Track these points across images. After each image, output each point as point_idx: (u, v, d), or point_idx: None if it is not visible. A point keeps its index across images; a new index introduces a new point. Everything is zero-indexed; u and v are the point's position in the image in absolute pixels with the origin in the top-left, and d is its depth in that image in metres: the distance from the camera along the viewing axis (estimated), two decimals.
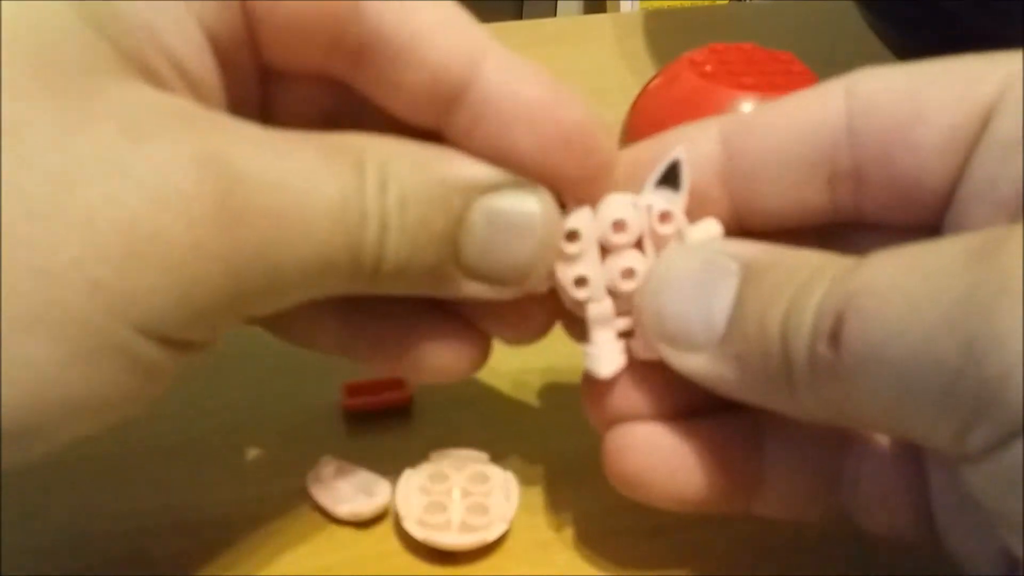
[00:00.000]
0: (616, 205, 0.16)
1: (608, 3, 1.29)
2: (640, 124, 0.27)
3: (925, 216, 0.16)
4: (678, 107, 0.26)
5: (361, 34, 0.15)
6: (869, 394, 0.13)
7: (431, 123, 0.16)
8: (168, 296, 0.13)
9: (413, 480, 0.20)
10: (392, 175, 0.15)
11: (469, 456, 0.21)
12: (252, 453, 0.22)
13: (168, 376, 0.14)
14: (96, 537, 0.19)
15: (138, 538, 0.20)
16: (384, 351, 0.18)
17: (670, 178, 0.17)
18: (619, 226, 0.16)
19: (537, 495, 0.21)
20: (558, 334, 0.26)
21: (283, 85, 0.17)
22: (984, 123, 0.15)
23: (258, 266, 0.14)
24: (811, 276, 0.14)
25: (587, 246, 0.16)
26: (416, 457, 0.20)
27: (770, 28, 0.44)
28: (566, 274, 0.17)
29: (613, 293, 0.17)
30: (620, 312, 0.17)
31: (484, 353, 0.19)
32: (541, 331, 0.19)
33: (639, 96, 0.28)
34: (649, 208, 0.16)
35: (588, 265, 0.17)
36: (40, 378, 0.12)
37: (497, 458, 0.21)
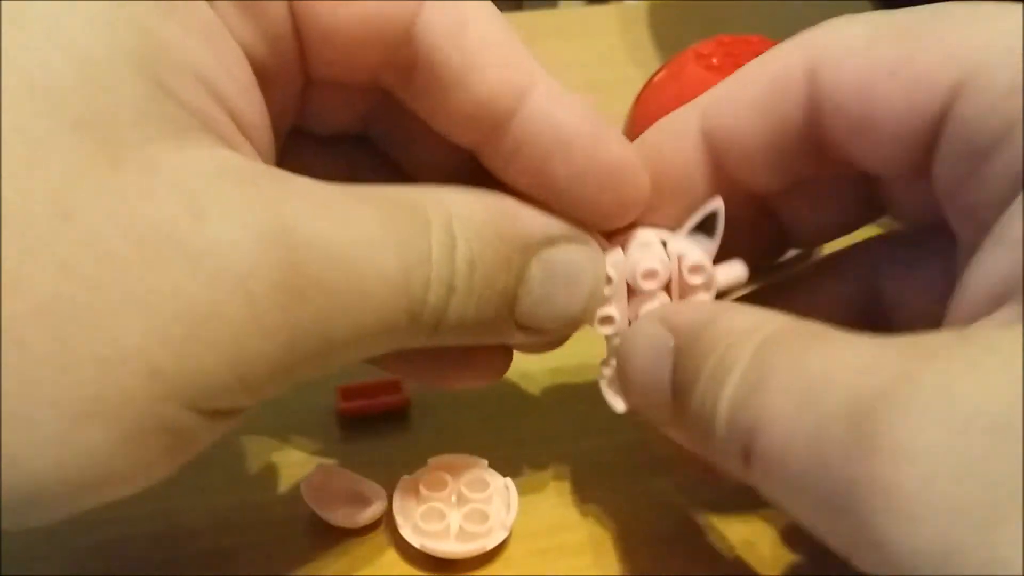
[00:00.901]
0: (649, 254, 0.17)
1: None
2: (645, 117, 0.27)
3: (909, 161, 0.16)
4: (684, 100, 0.25)
5: (413, 54, 0.15)
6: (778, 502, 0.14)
7: (472, 144, 0.16)
8: (223, 374, 0.13)
9: (410, 486, 0.20)
10: (459, 236, 0.15)
11: (467, 462, 0.20)
12: (246, 459, 0.21)
13: (203, 444, 0.14)
14: (90, 543, 0.19)
15: (131, 544, 0.19)
16: (417, 366, 0.18)
17: (705, 224, 0.17)
18: (650, 275, 0.17)
19: (537, 502, 0.20)
20: None
21: (322, 91, 0.16)
22: (939, 125, 0.15)
23: (315, 338, 0.14)
24: (723, 358, 0.14)
25: (618, 288, 0.17)
26: (413, 462, 0.20)
27: (777, 20, 0.44)
28: (595, 312, 0.17)
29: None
30: None
31: (508, 362, 0.19)
32: (498, 377, 0.19)
33: (644, 89, 0.27)
34: (681, 258, 0.17)
35: (616, 306, 0.17)
36: (91, 461, 0.12)
37: (496, 464, 0.21)
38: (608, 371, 0.18)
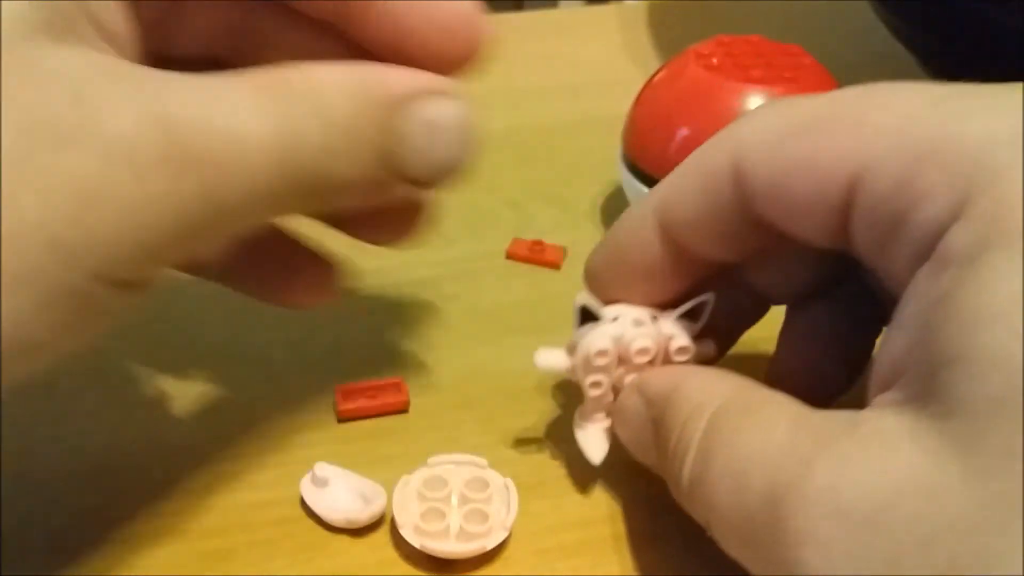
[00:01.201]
0: (644, 332, 0.19)
1: None
2: (645, 117, 0.27)
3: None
4: (684, 100, 0.26)
5: None
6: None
7: (329, 14, 0.18)
8: (120, 245, 0.14)
9: (410, 486, 0.20)
10: (327, 100, 0.16)
11: (467, 461, 0.20)
12: (246, 459, 0.21)
13: (116, 313, 0.15)
14: (90, 543, 0.19)
15: (131, 543, 0.19)
16: (250, 280, 0.20)
17: (693, 310, 0.19)
18: (643, 352, 0.19)
19: (537, 501, 0.20)
20: (559, 337, 0.25)
21: (182, 12, 0.18)
22: (848, 210, 0.16)
23: (203, 207, 0.15)
24: (681, 437, 0.17)
25: (611, 359, 0.19)
26: (413, 462, 0.20)
27: (776, 20, 0.44)
28: (587, 378, 0.19)
29: (617, 390, 0.20)
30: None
31: (335, 282, 0.21)
32: (414, 236, 0.21)
33: (644, 89, 0.27)
34: (670, 339, 0.19)
35: (607, 373, 0.19)
36: (12, 329, 0.14)
37: (496, 463, 0.21)
38: (587, 424, 0.20)
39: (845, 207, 0.16)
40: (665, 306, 0.20)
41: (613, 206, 0.30)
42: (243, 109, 0.15)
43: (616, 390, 0.20)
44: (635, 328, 0.19)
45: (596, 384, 0.19)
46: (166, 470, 0.21)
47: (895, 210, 0.15)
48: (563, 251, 0.28)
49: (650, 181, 0.26)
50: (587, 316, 0.19)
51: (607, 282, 0.20)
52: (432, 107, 0.17)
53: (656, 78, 0.27)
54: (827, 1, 0.45)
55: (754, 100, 0.24)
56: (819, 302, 0.20)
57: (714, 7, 0.46)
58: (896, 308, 0.15)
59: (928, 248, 0.15)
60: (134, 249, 0.14)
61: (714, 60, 0.26)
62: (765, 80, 0.25)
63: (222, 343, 0.24)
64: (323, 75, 0.16)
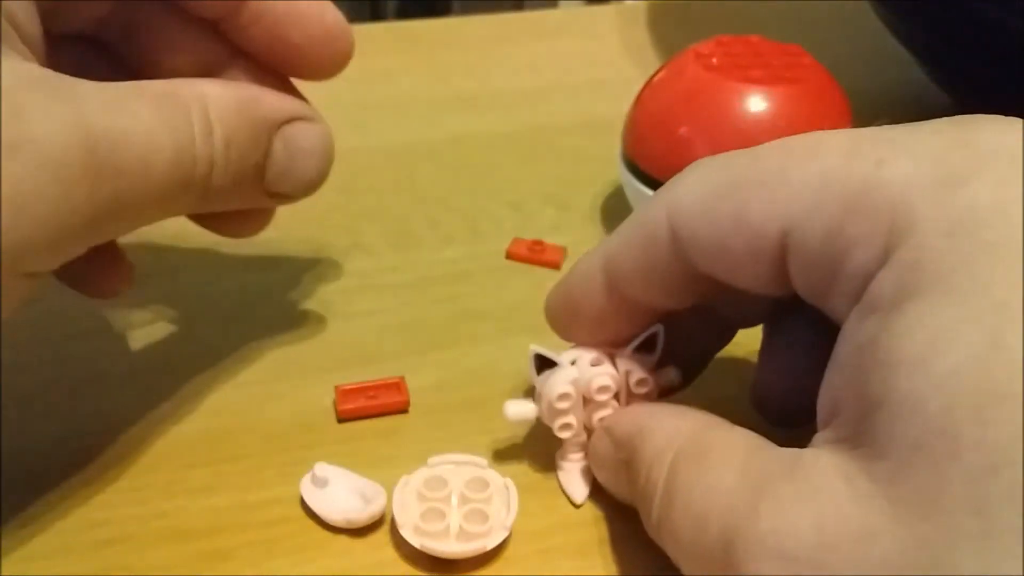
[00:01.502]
0: (602, 371, 0.20)
1: None
2: (645, 117, 0.27)
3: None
4: (684, 100, 0.26)
5: None
6: None
7: (218, 18, 0.20)
8: (38, 244, 0.16)
9: (410, 486, 0.20)
10: (216, 120, 0.18)
11: (467, 461, 0.20)
12: (246, 459, 0.21)
13: (20, 298, 0.17)
14: (88, 543, 0.19)
15: (131, 543, 0.19)
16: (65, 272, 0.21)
17: (646, 341, 0.20)
18: (603, 390, 0.20)
19: (537, 502, 0.20)
20: (560, 338, 0.25)
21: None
22: (782, 262, 0.17)
23: (112, 209, 0.17)
24: (647, 482, 0.17)
25: (576, 401, 0.20)
26: (413, 463, 0.20)
27: (777, 20, 0.44)
28: (555, 421, 0.20)
29: (589, 428, 0.20)
30: (591, 436, 0.20)
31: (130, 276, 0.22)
32: (259, 231, 0.23)
33: (643, 89, 0.27)
34: (628, 373, 0.20)
35: (574, 415, 0.20)
36: None
37: (496, 464, 0.21)
38: (566, 464, 0.21)
39: (780, 259, 0.16)
40: (620, 345, 0.20)
41: (613, 206, 0.30)
42: (146, 121, 0.17)
43: (588, 429, 0.20)
44: (593, 368, 0.20)
45: (566, 426, 0.20)
46: (166, 469, 0.21)
47: (828, 259, 0.16)
48: (563, 251, 0.28)
49: (650, 181, 0.26)
50: (545, 363, 0.20)
51: (563, 326, 0.21)
52: (298, 131, 0.20)
53: (656, 78, 0.27)
54: (827, 1, 0.45)
55: (754, 100, 0.24)
56: (793, 317, 0.20)
57: (714, 7, 0.46)
58: (834, 348, 0.16)
59: (860, 293, 0.15)
60: (49, 247, 0.16)
61: (714, 60, 0.26)
62: (765, 80, 0.25)
63: (222, 343, 0.24)
64: (214, 91, 0.19)
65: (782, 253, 0.16)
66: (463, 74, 0.39)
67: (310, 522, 0.20)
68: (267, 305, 0.26)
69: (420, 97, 0.37)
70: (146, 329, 0.25)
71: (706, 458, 0.16)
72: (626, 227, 0.19)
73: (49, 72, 0.16)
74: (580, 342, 0.20)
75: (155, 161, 0.17)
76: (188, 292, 0.26)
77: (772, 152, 0.17)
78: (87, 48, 0.21)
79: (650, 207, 0.18)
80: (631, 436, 0.19)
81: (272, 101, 0.20)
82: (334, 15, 0.21)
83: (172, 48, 0.21)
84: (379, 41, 0.41)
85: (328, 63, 0.21)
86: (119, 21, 0.21)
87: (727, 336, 0.22)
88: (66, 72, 0.17)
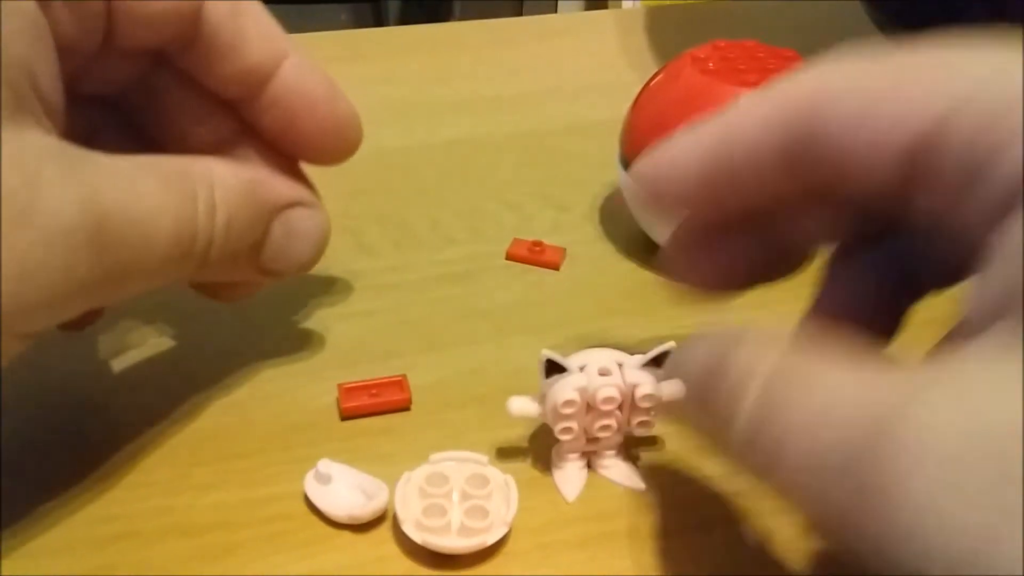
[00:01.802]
0: (609, 382, 0.20)
1: (610, 2, 1.28)
2: (642, 120, 0.27)
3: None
4: (680, 104, 0.26)
5: (197, 30, 0.19)
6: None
7: (237, 99, 0.21)
8: (38, 310, 0.16)
9: (412, 483, 0.20)
10: (220, 200, 0.19)
11: (468, 458, 0.20)
12: (250, 456, 0.21)
13: (14, 353, 0.17)
14: (93, 540, 0.19)
15: (134, 540, 0.19)
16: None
17: (658, 357, 0.20)
18: (608, 401, 0.20)
19: (537, 498, 0.20)
20: (559, 337, 0.26)
21: (100, 60, 0.19)
22: (928, 149, 0.16)
23: (112, 279, 0.17)
24: (748, 367, 0.16)
25: (580, 407, 0.20)
26: (415, 459, 0.20)
27: (773, 25, 0.44)
28: (557, 425, 0.20)
29: (588, 433, 0.21)
30: (589, 440, 0.21)
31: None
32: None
33: (641, 93, 0.28)
34: (635, 387, 0.20)
35: (576, 420, 0.20)
36: None
37: (497, 460, 0.21)
38: (562, 463, 0.21)
39: (927, 146, 0.16)
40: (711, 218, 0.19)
41: (611, 207, 0.31)
42: (154, 199, 0.18)
43: (587, 434, 0.21)
44: (600, 378, 0.20)
45: (567, 430, 0.20)
46: (171, 466, 0.21)
47: (979, 153, 0.15)
48: (563, 252, 0.28)
49: None
50: (554, 368, 0.20)
51: (687, 180, 0.19)
52: (297, 216, 0.21)
53: (653, 82, 0.27)
54: (823, 3, 0.45)
55: None
56: (854, 260, 0.19)
57: (711, 11, 0.46)
58: (981, 254, 0.15)
59: (1012, 194, 0.14)
60: (47, 312, 0.17)
61: (710, 64, 0.26)
62: (761, 84, 0.25)
63: (226, 342, 0.25)
64: (221, 172, 0.19)
65: (930, 140, 0.15)
66: (464, 77, 0.39)
67: (313, 518, 0.20)
68: (269, 305, 0.26)
69: (422, 100, 0.37)
70: (149, 329, 0.25)
71: (830, 361, 0.15)
72: (758, 95, 0.18)
73: (67, 145, 0.17)
74: (662, 198, 0.19)
75: (158, 237, 0.18)
76: (191, 292, 0.26)
77: (932, 45, 0.16)
78: (103, 109, 0.21)
79: (792, 79, 0.17)
80: (729, 338, 0.17)
81: (276, 185, 0.21)
82: (346, 106, 0.21)
83: (188, 120, 0.21)
84: (382, 45, 0.42)
85: (335, 152, 0.22)
86: (140, 88, 0.21)
87: (789, 266, 0.20)
88: (79, 131, 0.18)
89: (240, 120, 0.21)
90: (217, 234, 0.19)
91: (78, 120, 0.19)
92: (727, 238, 0.19)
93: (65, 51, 0.18)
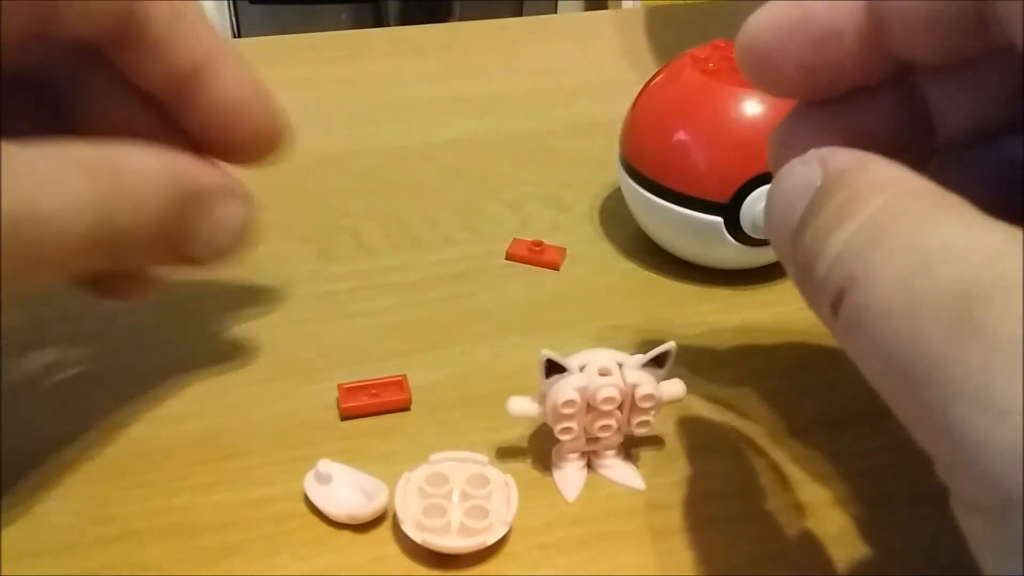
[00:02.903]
0: (610, 382, 0.20)
1: (610, 2, 1.28)
2: (642, 121, 0.27)
3: None
4: (680, 104, 0.26)
5: (137, 25, 0.19)
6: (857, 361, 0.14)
7: (170, 98, 0.21)
8: None
9: (412, 483, 0.20)
10: (141, 188, 0.19)
11: (468, 458, 0.20)
12: (250, 456, 0.21)
13: None
14: (93, 540, 0.19)
15: (134, 540, 0.19)
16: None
17: (658, 357, 0.20)
18: (608, 401, 0.20)
19: (537, 498, 0.20)
20: (559, 337, 0.26)
21: (30, 44, 0.19)
22: None
23: (33, 269, 0.17)
24: (850, 201, 0.15)
25: (580, 407, 0.20)
26: (415, 459, 0.20)
27: None
28: (557, 425, 0.20)
29: (588, 433, 0.20)
30: (589, 440, 0.21)
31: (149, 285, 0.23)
32: (143, 296, 0.23)
33: (641, 93, 0.28)
34: (636, 387, 0.20)
35: (576, 420, 0.20)
36: None
37: (497, 461, 0.21)
38: (562, 463, 0.21)
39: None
40: (838, 92, 0.18)
41: (611, 207, 0.31)
42: (73, 188, 0.17)
43: (587, 434, 0.21)
44: (600, 378, 0.20)
45: (567, 430, 0.20)
46: (171, 466, 0.21)
47: None
48: (563, 252, 0.28)
49: (647, 183, 0.26)
50: (554, 368, 0.20)
51: (773, 47, 0.17)
52: (222, 206, 0.20)
53: (653, 82, 0.27)
54: None
55: (749, 103, 0.25)
56: (982, 151, 0.18)
57: (711, 11, 0.46)
58: None
59: None
60: None
61: (710, 64, 0.26)
62: None
63: (225, 342, 0.25)
64: (142, 163, 0.19)
65: None
66: (464, 78, 0.39)
67: (313, 518, 0.20)
68: (270, 305, 0.26)
69: (421, 100, 0.37)
70: (150, 329, 0.25)
71: (947, 211, 0.14)
72: None
73: None
74: (777, 77, 0.18)
75: (75, 227, 0.17)
76: (191, 292, 0.26)
77: None
78: (25, 87, 0.21)
79: None
80: (846, 167, 0.16)
81: (200, 172, 0.20)
82: (275, 111, 0.22)
83: (114, 110, 0.21)
84: (381, 46, 0.42)
85: (262, 156, 0.22)
86: (67, 75, 0.21)
87: (918, 148, 0.19)
88: None
89: (166, 114, 0.21)
90: (140, 220, 0.19)
91: None
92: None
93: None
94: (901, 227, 0.14)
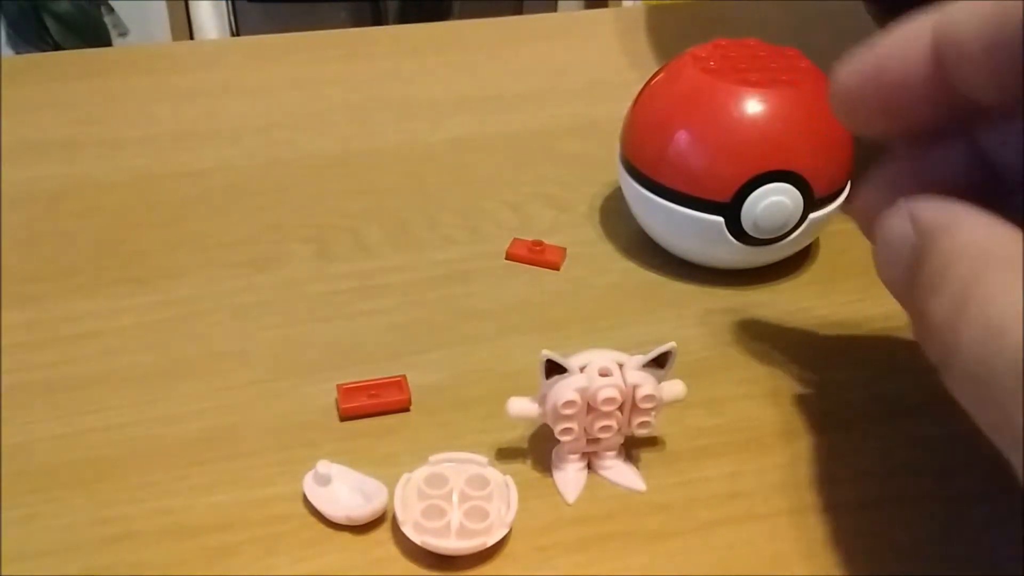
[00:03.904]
0: (610, 383, 0.20)
1: (610, 1, 1.28)
2: (643, 120, 0.27)
3: None
4: (681, 103, 0.26)
5: None
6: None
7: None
8: None
9: (411, 484, 0.20)
10: None
11: (468, 459, 0.20)
12: (249, 457, 0.21)
13: None
14: (92, 540, 0.19)
15: (133, 541, 0.19)
16: None
17: (659, 357, 0.20)
18: (609, 402, 0.20)
19: (537, 499, 0.20)
20: (559, 337, 0.26)
21: None
22: None
23: None
24: (947, 265, 0.16)
25: (580, 408, 0.20)
26: (414, 460, 0.20)
27: (775, 23, 0.44)
28: (558, 425, 0.20)
29: (588, 434, 0.20)
30: (589, 441, 0.21)
31: None
32: None
33: (641, 91, 0.27)
34: (636, 387, 0.20)
35: (576, 421, 0.20)
36: None
37: (496, 462, 0.21)
38: (562, 464, 0.21)
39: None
40: (912, 133, 0.19)
41: (611, 207, 0.30)
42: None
43: (588, 435, 0.20)
44: (601, 379, 0.20)
45: (567, 431, 0.20)
46: (170, 467, 0.21)
47: None
48: (563, 252, 0.28)
49: (648, 182, 0.26)
50: (554, 368, 0.20)
51: (855, 97, 0.19)
52: None
53: (654, 81, 0.27)
54: (824, 1, 0.45)
55: (751, 102, 0.25)
56: None
57: (712, 10, 0.46)
58: None
59: None
60: None
61: (711, 63, 0.26)
62: (762, 83, 0.25)
63: (224, 343, 0.25)
64: None
65: None
66: (463, 77, 0.39)
67: (312, 519, 0.20)
68: (269, 304, 0.26)
69: (421, 99, 0.37)
70: (149, 329, 0.25)
71: (1015, 272, 0.15)
72: None
73: None
74: (866, 119, 0.19)
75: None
76: (190, 292, 0.26)
77: None
78: None
79: None
80: (937, 225, 0.17)
81: None
82: None
83: None
84: (380, 44, 0.42)
85: None
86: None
87: (981, 184, 0.20)
88: None
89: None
90: None
91: None
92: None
93: None
94: (977, 296, 0.15)
